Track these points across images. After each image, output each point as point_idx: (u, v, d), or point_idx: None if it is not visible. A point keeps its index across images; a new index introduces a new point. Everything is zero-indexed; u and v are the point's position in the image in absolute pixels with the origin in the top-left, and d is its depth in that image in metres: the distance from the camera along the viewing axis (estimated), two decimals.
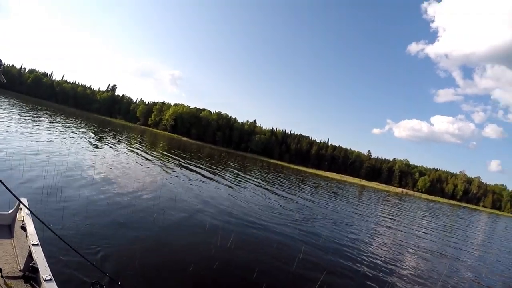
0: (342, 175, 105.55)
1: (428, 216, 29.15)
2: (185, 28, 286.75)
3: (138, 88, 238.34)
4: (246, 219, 9.63)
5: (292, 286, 5.63)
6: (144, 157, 19.99)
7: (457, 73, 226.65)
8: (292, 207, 14.47)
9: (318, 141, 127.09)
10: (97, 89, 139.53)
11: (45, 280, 2.02)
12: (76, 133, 24.15)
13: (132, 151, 22.67)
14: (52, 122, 29.39)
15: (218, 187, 15.34)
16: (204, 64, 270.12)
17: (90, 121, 55.42)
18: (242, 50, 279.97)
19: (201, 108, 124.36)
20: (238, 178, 22.14)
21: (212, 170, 23.22)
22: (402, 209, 31.15)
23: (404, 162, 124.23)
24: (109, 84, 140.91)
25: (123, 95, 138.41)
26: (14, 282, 2.21)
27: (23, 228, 2.71)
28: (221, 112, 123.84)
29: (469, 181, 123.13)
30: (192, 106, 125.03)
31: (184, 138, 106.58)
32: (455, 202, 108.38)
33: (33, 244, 2.41)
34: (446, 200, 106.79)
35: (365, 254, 8.94)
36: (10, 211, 3.17)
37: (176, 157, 26.78)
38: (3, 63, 2.71)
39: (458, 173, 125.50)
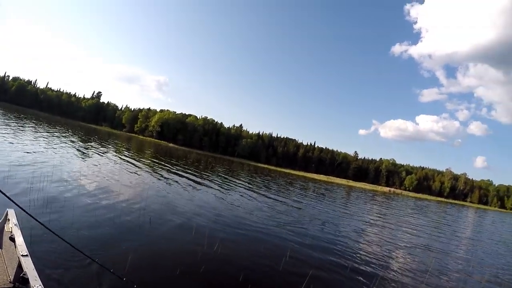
0: (330, 177, 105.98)
1: (415, 214, 29.44)
2: (169, 34, 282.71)
3: (124, 95, 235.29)
4: (233, 222, 9.65)
5: (279, 286, 5.68)
6: (131, 164, 19.79)
7: (441, 72, 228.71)
8: (280, 209, 14.47)
9: (304, 143, 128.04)
10: (82, 97, 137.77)
11: None
12: (61, 142, 23.70)
13: (119, 158, 22.32)
14: (38, 131, 28.86)
15: (205, 192, 15.29)
16: (189, 69, 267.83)
17: (76, 129, 54.63)
18: (227, 54, 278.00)
19: (187, 113, 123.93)
20: (224, 183, 22.05)
21: (198, 175, 23.13)
22: (390, 208, 31.33)
23: (391, 161, 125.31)
24: (94, 91, 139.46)
25: (108, 102, 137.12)
26: None
27: (12, 239, 2.68)
28: (207, 117, 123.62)
29: (456, 178, 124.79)
30: (178, 111, 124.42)
31: (171, 144, 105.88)
32: (443, 199, 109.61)
33: (22, 255, 2.37)
34: (433, 198, 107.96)
35: (352, 251, 9.02)
36: None
37: (163, 164, 26.58)
38: None
39: (444, 170, 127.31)
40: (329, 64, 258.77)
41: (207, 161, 50.79)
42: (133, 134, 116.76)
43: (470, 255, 12.34)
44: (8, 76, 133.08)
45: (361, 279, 6.72)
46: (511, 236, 24.08)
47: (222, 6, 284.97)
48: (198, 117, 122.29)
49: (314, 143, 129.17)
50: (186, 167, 28.84)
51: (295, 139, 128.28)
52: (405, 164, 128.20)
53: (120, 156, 24.95)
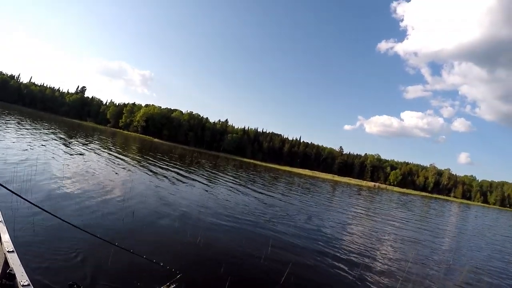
0: (315, 172, 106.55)
1: (399, 208, 29.74)
2: (154, 27, 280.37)
3: (108, 90, 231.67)
4: (216, 216, 9.66)
5: (260, 278, 5.72)
6: (114, 160, 19.58)
7: (426, 70, 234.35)
8: (263, 203, 14.56)
9: (290, 138, 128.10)
10: (66, 91, 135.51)
11: (23, 285, 2.01)
12: (45, 138, 23.22)
13: (103, 154, 22.03)
14: (20, 128, 28.27)
15: (189, 186, 15.28)
16: (175, 64, 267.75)
17: (60, 125, 53.70)
18: (213, 50, 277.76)
19: (172, 108, 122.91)
20: (209, 177, 22.03)
21: (183, 170, 23.02)
22: (374, 202, 31.81)
23: (376, 157, 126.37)
24: (78, 86, 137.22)
25: (92, 97, 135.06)
26: None
27: None
28: (192, 112, 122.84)
29: (440, 173, 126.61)
30: (163, 107, 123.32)
31: (156, 139, 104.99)
32: (427, 194, 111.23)
33: (8, 251, 2.36)
34: (417, 192, 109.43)
35: (334, 243, 9.16)
36: None
37: (147, 159, 26.45)
38: None
39: (428, 166, 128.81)
40: (315, 60, 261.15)
41: (192, 156, 50.75)
42: (118, 129, 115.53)
43: (451, 247, 12.55)
44: None
45: (342, 268, 6.97)
46: (492, 230, 24.47)
47: (209, 1, 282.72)
48: (184, 112, 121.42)
49: (300, 138, 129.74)
50: (171, 162, 28.70)
51: (280, 134, 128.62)
52: (389, 160, 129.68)
53: (104, 151, 24.65)
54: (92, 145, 27.36)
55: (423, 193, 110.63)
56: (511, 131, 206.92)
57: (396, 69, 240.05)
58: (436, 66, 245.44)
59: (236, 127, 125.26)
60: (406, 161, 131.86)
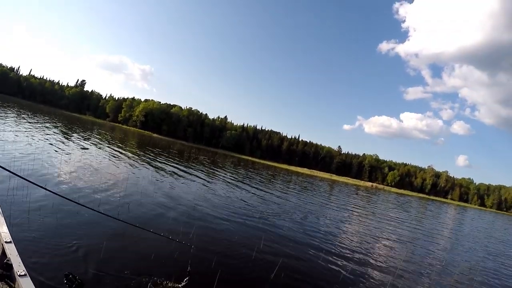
0: (313, 170, 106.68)
1: (395, 208, 29.93)
2: (155, 22, 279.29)
3: (108, 84, 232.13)
4: (211, 212, 9.73)
5: (251, 271, 5.84)
6: (112, 154, 19.61)
7: (426, 71, 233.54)
8: (260, 201, 14.59)
9: (289, 136, 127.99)
10: (66, 85, 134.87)
11: (20, 275, 2.06)
12: (43, 131, 23.21)
13: (101, 148, 22.09)
14: (19, 120, 28.30)
15: (185, 182, 15.32)
16: (175, 59, 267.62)
17: (59, 118, 53.52)
18: (214, 46, 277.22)
19: (171, 104, 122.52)
20: (206, 173, 22.06)
21: (180, 165, 23.07)
22: (371, 202, 31.95)
23: (374, 157, 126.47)
24: (77, 80, 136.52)
25: (92, 90, 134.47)
26: None
27: None
28: (192, 108, 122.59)
29: (437, 175, 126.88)
30: (163, 102, 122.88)
31: (155, 135, 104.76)
32: (424, 195, 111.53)
33: (6, 242, 2.41)
34: (415, 194, 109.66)
35: (328, 241, 9.25)
36: None
37: (145, 154, 26.47)
38: None
39: (426, 167, 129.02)
40: (315, 60, 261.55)
41: (190, 152, 50.66)
42: (117, 124, 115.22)
43: (444, 248, 12.67)
44: None
45: (334, 264, 7.15)
46: (487, 233, 24.76)
47: None
48: (183, 108, 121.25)
49: (299, 137, 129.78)
50: (169, 157, 28.76)
51: (279, 132, 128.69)
52: (388, 160, 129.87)
53: (103, 145, 24.70)
54: (91, 139, 27.37)
55: (421, 195, 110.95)
56: (510, 135, 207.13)
57: (397, 70, 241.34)
58: (437, 68, 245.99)
59: (235, 124, 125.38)
60: (404, 162, 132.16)
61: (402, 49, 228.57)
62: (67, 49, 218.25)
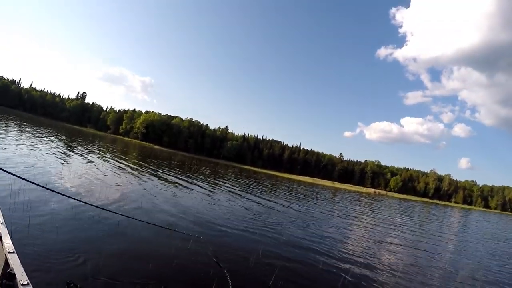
0: (315, 178, 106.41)
1: (398, 214, 29.89)
2: (155, 34, 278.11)
3: (109, 96, 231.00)
4: (210, 222, 9.86)
5: (249, 279, 5.92)
6: (114, 166, 19.87)
7: (425, 75, 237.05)
8: (263, 210, 14.68)
9: (290, 145, 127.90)
10: (67, 97, 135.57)
11: (22, 285, 2.12)
12: (45, 144, 23.60)
13: (102, 160, 22.36)
14: (21, 132, 28.89)
15: (185, 193, 15.48)
16: (175, 70, 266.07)
17: (60, 130, 54.19)
18: (213, 56, 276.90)
19: (172, 115, 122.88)
20: (207, 184, 22.20)
21: (182, 177, 23.29)
22: (374, 208, 31.86)
23: (376, 163, 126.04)
24: (78, 92, 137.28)
25: (93, 103, 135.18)
26: None
27: None
28: (192, 119, 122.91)
29: (440, 179, 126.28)
30: (163, 113, 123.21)
31: (156, 146, 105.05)
32: (428, 200, 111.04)
33: (9, 252, 2.50)
34: (418, 198, 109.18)
35: (331, 248, 9.31)
36: None
37: (146, 165, 26.73)
38: None
39: (429, 171, 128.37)
40: (314, 67, 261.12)
41: (191, 163, 50.61)
42: (118, 136, 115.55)
43: (447, 252, 12.74)
44: None
45: (337, 269, 7.26)
46: (491, 234, 24.75)
47: (209, 7, 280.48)
48: (184, 119, 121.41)
49: (300, 145, 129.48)
50: (170, 169, 29.00)
51: (280, 141, 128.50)
52: (390, 166, 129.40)
53: (104, 158, 24.97)
54: (93, 152, 27.70)
55: (424, 199, 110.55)
56: (511, 134, 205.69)
57: (396, 75, 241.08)
58: (436, 71, 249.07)
59: (236, 134, 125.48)
60: (406, 167, 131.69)
61: (400, 54, 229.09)
62: (67, 61, 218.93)
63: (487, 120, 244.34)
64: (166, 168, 27.89)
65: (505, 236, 24.56)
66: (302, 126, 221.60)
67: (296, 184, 58.09)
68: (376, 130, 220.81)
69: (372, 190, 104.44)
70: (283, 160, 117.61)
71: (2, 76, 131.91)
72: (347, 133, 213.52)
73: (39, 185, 2.99)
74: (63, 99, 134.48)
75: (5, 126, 31.71)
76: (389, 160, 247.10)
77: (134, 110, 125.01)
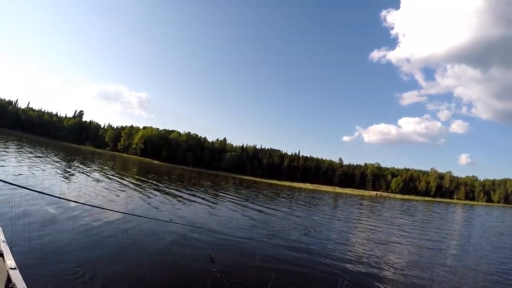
0: (316, 185, 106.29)
1: (401, 214, 30.21)
2: (149, 50, 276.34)
3: (106, 113, 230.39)
4: (207, 232, 10.01)
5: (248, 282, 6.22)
6: (115, 183, 20.29)
7: (419, 75, 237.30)
8: (265, 218, 15.02)
9: (289, 153, 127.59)
10: (64, 116, 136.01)
11: None
12: (44, 163, 24.11)
13: (103, 177, 22.81)
14: (20, 153, 29.49)
15: (188, 206, 15.84)
16: (170, 85, 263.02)
17: (59, 149, 55.01)
18: (207, 68, 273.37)
19: (170, 129, 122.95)
20: (207, 196, 22.55)
21: (181, 190, 23.70)
22: (375, 210, 32.06)
23: (376, 165, 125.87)
24: (75, 110, 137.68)
25: (90, 120, 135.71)
26: None
27: (0, 254, 2.95)
28: (190, 132, 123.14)
29: (441, 176, 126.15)
30: (161, 128, 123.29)
31: (155, 161, 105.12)
32: (430, 198, 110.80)
33: (11, 268, 2.63)
34: (420, 198, 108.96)
35: (331, 252, 9.52)
36: None
37: (145, 180, 27.18)
38: None
39: (429, 170, 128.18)
40: (308, 74, 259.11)
41: (190, 176, 50.90)
42: (117, 153, 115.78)
43: (449, 248, 12.99)
44: None
45: (334, 273, 7.49)
46: (495, 228, 25.11)
47: (200, 19, 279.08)
48: (182, 133, 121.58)
49: (299, 153, 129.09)
50: (170, 183, 29.42)
51: (279, 150, 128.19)
52: (390, 167, 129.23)
53: (104, 175, 25.35)
54: (92, 169, 28.15)
55: (426, 198, 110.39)
56: (508, 128, 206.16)
57: (390, 76, 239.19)
58: (429, 70, 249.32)
59: (234, 145, 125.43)
60: (406, 168, 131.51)
61: (393, 55, 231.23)
62: (61, 80, 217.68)
63: (484, 114, 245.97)
64: (166, 183, 28.29)
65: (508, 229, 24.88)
66: (300, 134, 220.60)
67: (297, 191, 58.26)
68: (374, 132, 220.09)
69: (373, 193, 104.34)
70: (283, 169, 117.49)
71: None
72: (345, 138, 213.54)
73: (44, 193, 3.45)
74: (60, 118, 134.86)
75: (6, 148, 32.18)
76: (389, 161, 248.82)
77: (131, 126, 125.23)
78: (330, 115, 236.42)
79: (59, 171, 20.14)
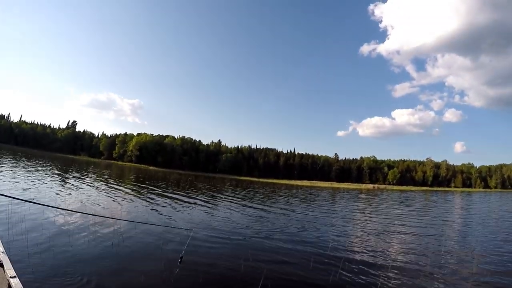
0: (313, 181, 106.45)
1: (398, 205, 30.51)
2: (139, 56, 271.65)
3: (99, 122, 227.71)
4: (201, 235, 10.17)
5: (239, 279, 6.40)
6: (113, 191, 20.47)
7: (410, 66, 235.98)
8: (266, 217, 15.29)
9: (285, 151, 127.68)
10: (57, 127, 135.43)
11: None
12: (39, 175, 24.32)
13: (100, 186, 22.99)
14: (15, 167, 29.69)
15: (185, 210, 16.00)
16: (162, 90, 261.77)
17: (54, 161, 55.06)
18: (198, 70, 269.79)
19: (164, 134, 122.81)
20: (205, 199, 22.67)
21: (175, 194, 23.84)
22: (373, 203, 32.46)
23: (372, 158, 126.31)
24: (68, 121, 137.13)
25: (84, 130, 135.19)
26: None
27: (0, 264, 3.04)
28: (185, 136, 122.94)
29: (437, 165, 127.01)
30: (155, 134, 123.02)
31: (151, 167, 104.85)
32: (427, 188, 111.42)
33: (11, 277, 2.72)
34: (418, 188, 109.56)
35: (328, 245, 9.70)
36: None
37: (142, 187, 27.41)
38: None
39: (425, 160, 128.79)
40: (298, 71, 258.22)
41: (186, 180, 50.96)
42: (112, 161, 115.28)
43: (444, 235, 13.28)
44: None
45: (333, 264, 7.74)
46: (490, 215, 25.30)
47: (188, 22, 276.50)
48: (176, 137, 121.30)
49: (294, 150, 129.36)
50: (167, 188, 29.71)
51: (275, 149, 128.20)
52: (386, 160, 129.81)
53: (101, 183, 25.53)
54: (89, 179, 28.23)
55: (424, 188, 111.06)
56: (501, 114, 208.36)
57: (381, 69, 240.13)
58: (420, 61, 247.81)
59: (229, 146, 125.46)
60: (402, 159, 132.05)
61: (383, 48, 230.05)
62: (52, 91, 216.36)
63: (477, 102, 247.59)
64: (163, 188, 28.50)
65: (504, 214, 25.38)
66: (295, 132, 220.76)
67: (295, 189, 58.56)
68: (368, 126, 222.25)
69: (371, 186, 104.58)
70: (279, 167, 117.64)
71: None
72: (340, 133, 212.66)
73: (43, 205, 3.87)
74: (54, 129, 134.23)
75: (4, 163, 32.36)
76: (385, 154, 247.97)
77: (125, 134, 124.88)
78: (324, 111, 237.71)
79: (57, 183, 20.43)
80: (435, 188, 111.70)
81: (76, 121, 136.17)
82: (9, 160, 38.40)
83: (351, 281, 6.69)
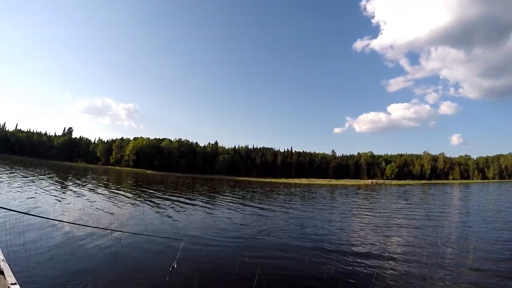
0: (311, 179, 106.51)
1: (396, 199, 30.81)
2: (133, 60, 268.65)
3: (95, 127, 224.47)
4: (197, 237, 10.45)
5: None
6: (113, 197, 20.66)
7: (404, 61, 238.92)
8: (265, 216, 15.47)
9: (282, 150, 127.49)
10: (53, 134, 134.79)
11: None
12: (37, 183, 24.55)
13: (101, 192, 23.22)
14: (12, 176, 29.95)
15: (182, 212, 16.25)
16: (157, 93, 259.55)
17: (51, 168, 55.40)
18: (193, 71, 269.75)
19: (161, 138, 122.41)
20: (204, 200, 22.92)
21: (179, 197, 24.10)
22: (371, 198, 32.78)
23: (369, 154, 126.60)
24: (64, 128, 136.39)
25: (80, 137, 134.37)
26: None
27: (1, 272, 3.08)
28: (181, 139, 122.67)
29: (435, 158, 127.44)
30: (152, 137, 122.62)
31: (148, 171, 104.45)
32: (425, 181, 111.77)
33: (11, 284, 2.77)
34: (416, 181, 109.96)
35: (328, 241, 9.91)
36: None
37: (140, 191, 27.75)
38: None
39: (422, 153, 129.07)
40: (294, 70, 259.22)
41: (184, 183, 50.92)
42: (110, 166, 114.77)
43: (439, 228, 13.44)
44: None
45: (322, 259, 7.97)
46: (487, 206, 25.62)
47: (182, 23, 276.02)
48: (173, 140, 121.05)
49: (291, 149, 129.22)
50: (165, 191, 29.75)
51: (272, 148, 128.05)
52: (383, 154, 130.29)
53: (101, 189, 25.84)
54: (87, 186, 28.32)
55: (422, 181, 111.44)
56: (496, 105, 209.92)
57: (375, 65, 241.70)
58: (413, 55, 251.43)
59: (226, 147, 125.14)
60: (400, 153, 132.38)
61: (376, 43, 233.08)
62: (47, 98, 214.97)
63: (472, 94, 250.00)
64: (161, 192, 28.55)
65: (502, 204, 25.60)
66: (291, 130, 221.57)
67: (293, 187, 58.71)
68: (364, 121, 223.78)
69: (369, 181, 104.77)
70: (277, 166, 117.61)
71: None
72: (336, 130, 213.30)
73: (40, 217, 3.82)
74: (50, 137, 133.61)
75: (4, 173, 32.29)
76: (382, 149, 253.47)
77: (122, 139, 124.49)
78: (320, 109, 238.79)
79: (58, 192, 20.45)
80: (433, 181, 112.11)
81: (72, 128, 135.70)
82: (8, 170, 38.44)
83: (347, 273, 6.86)
